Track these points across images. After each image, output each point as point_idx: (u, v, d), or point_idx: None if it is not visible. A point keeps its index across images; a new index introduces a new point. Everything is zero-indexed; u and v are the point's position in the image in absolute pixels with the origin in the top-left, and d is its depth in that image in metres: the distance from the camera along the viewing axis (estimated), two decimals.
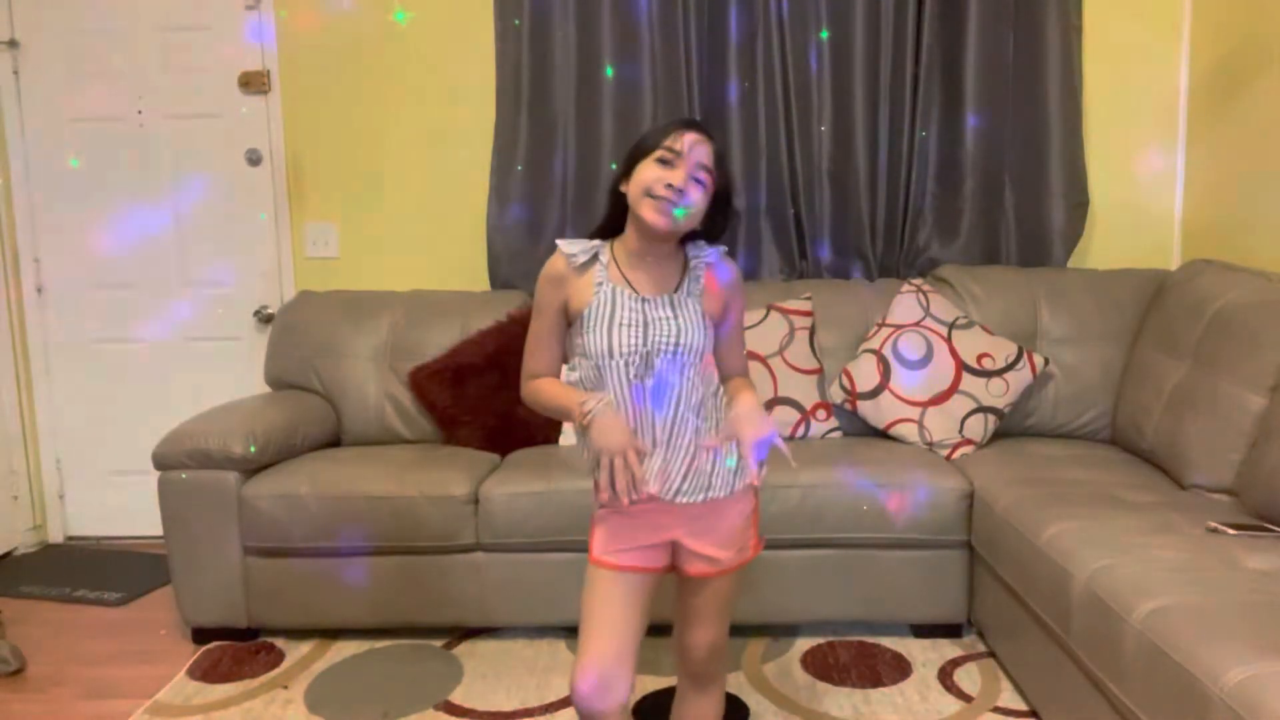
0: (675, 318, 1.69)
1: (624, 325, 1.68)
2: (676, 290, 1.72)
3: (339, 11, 3.57)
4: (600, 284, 1.71)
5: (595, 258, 1.73)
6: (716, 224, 1.74)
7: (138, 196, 3.72)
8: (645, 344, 1.67)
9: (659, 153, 1.65)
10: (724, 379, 1.81)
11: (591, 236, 1.77)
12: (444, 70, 3.59)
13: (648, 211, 1.64)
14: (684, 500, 1.71)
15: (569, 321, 1.74)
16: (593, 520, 1.79)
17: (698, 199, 1.66)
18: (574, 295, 1.72)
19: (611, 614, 1.71)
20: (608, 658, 1.68)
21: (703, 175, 1.66)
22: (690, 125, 1.69)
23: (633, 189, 1.67)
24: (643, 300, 1.70)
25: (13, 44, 3.65)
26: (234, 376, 3.63)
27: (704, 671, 1.93)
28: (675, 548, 1.77)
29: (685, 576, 1.81)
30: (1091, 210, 3.49)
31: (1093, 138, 3.48)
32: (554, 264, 1.74)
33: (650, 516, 1.72)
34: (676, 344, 1.67)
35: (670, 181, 1.63)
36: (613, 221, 1.75)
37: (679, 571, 1.81)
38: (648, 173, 1.65)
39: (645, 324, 1.68)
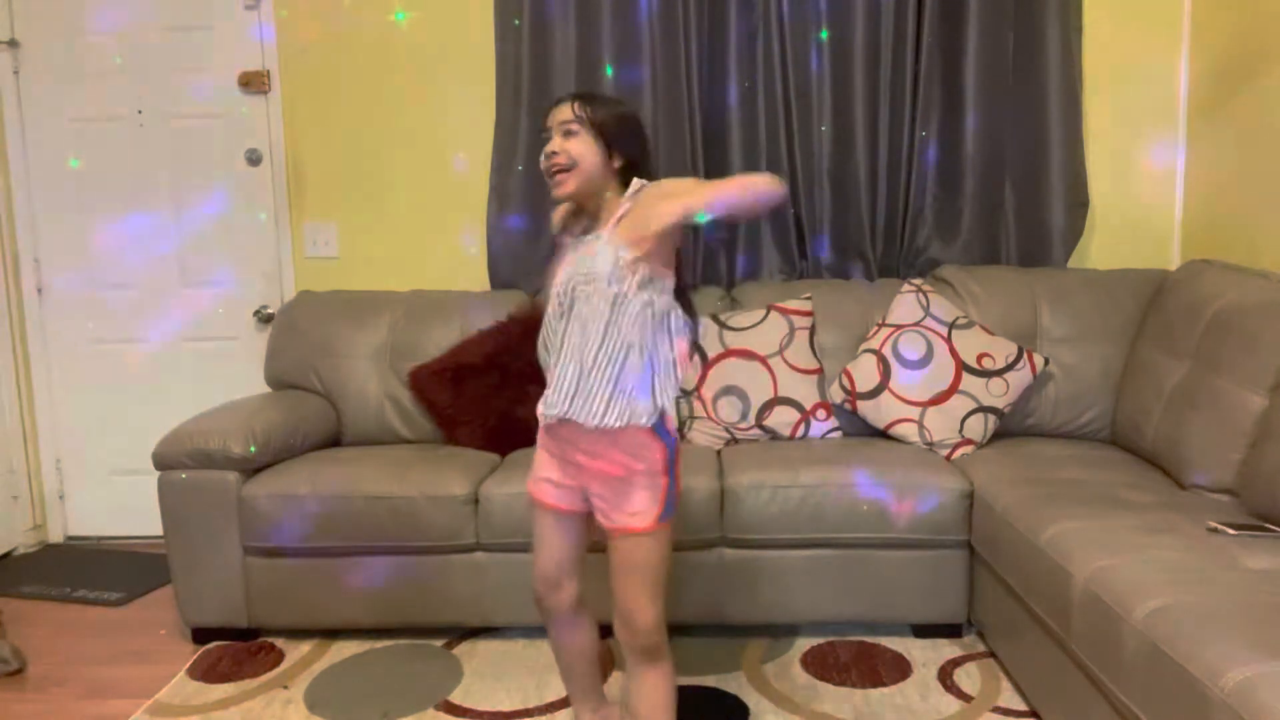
0: (592, 252, 1.87)
1: (561, 264, 1.94)
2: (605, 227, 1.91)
3: (339, 11, 3.57)
4: (557, 233, 2.00)
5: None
6: (629, 146, 1.89)
7: (138, 196, 3.72)
8: (568, 277, 1.89)
9: (542, 137, 1.90)
10: None
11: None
12: (444, 70, 3.59)
13: (552, 189, 1.90)
14: (575, 417, 1.86)
15: None
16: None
17: (575, 148, 1.86)
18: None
19: (546, 536, 2.05)
20: (549, 566, 2.05)
21: (571, 127, 1.86)
22: (558, 101, 1.92)
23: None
24: (578, 243, 1.93)
25: (13, 44, 3.65)
26: (234, 376, 3.63)
27: (627, 644, 1.99)
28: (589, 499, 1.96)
29: (601, 531, 1.98)
30: (1091, 210, 3.50)
31: (1093, 138, 3.48)
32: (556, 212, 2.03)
33: (557, 444, 1.96)
34: (587, 273, 1.85)
35: (545, 151, 1.87)
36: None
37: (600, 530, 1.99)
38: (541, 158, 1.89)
39: (575, 261, 1.91)
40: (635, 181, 1.89)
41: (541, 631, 2.90)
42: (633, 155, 1.89)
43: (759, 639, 2.86)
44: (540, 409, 1.94)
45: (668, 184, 1.89)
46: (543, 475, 2.02)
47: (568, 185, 1.88)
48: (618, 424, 1.84)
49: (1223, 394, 2.52)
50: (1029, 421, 3.16)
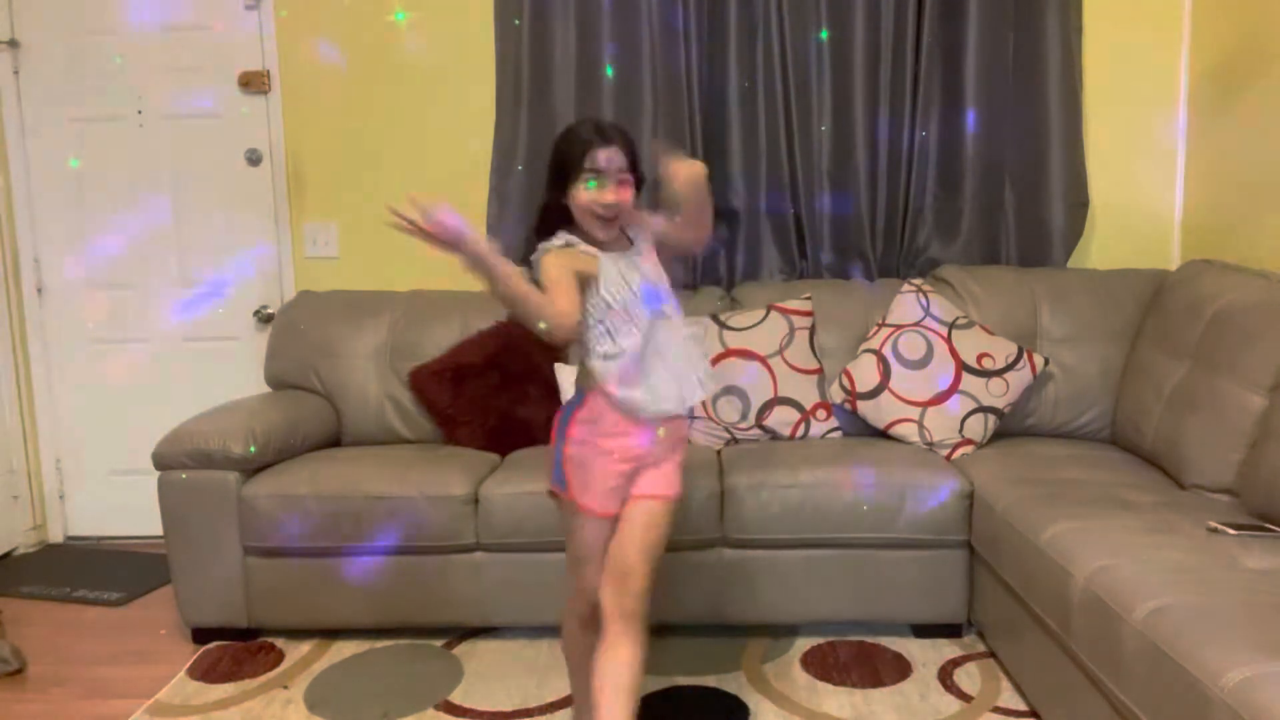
0: (648, 265, 2.01)
1: (627, 276, 1.97)
2: (634, 245, 2.03)
3: (339, 11, 3.57)
4: (593, 255, 1.97)
5: (570, 244, 1.97)
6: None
7: (138, 196, 3.72)
8: (650, 283, 1.99)
9: (584, 175, 1.91)
10: (680, 229, 2.07)
11: (537, 234, 2.00)
12: (444, 70, 3.59)
13: (596, 230, 1.94)
14: (670, 409, 2.01)
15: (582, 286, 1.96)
16: (565, 460, 2.05)
17: (628, 195, 1.94)
18: (581, 267, 1.95)
19: (601, 545, 2.03)
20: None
21: (624, 176, 1.93)
22: (600, 137, 1.92)
23: (578, 210, 1.94)
24: (623, 258, 1.99)
25: (13, 44, 3.65)
26: (234, 376, 3.63)
27: (617, 605, 2.00)
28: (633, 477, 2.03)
29: (634, 499, 2.03)
30: (1091, 210, 3.49)
31: (1093, 138, 3.48)
32: (549, 257, 1.95)
33: (625, 440, 2.00)
34: (655, 280, 2.00)
35: (604, 200, 1.91)
36: (554, 225, 1.98)
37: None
38: (582, 196, 1.92)
39: (638, 271, 1.99)
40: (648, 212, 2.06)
41: (541, 631, 2.91)
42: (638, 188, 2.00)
43: (759, 639, 2.86)
44: (662, 408, 1.99)
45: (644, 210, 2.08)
46: (609, 486, 2.01)
47: (613, 229, 1.97)
48: (694, 403, 2.09)
49: (1223, 394, 2.52)
50: (1029, 421, 3.16)
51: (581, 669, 2.11)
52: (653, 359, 1.98)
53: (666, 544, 2.05)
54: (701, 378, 2.06)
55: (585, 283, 1.96)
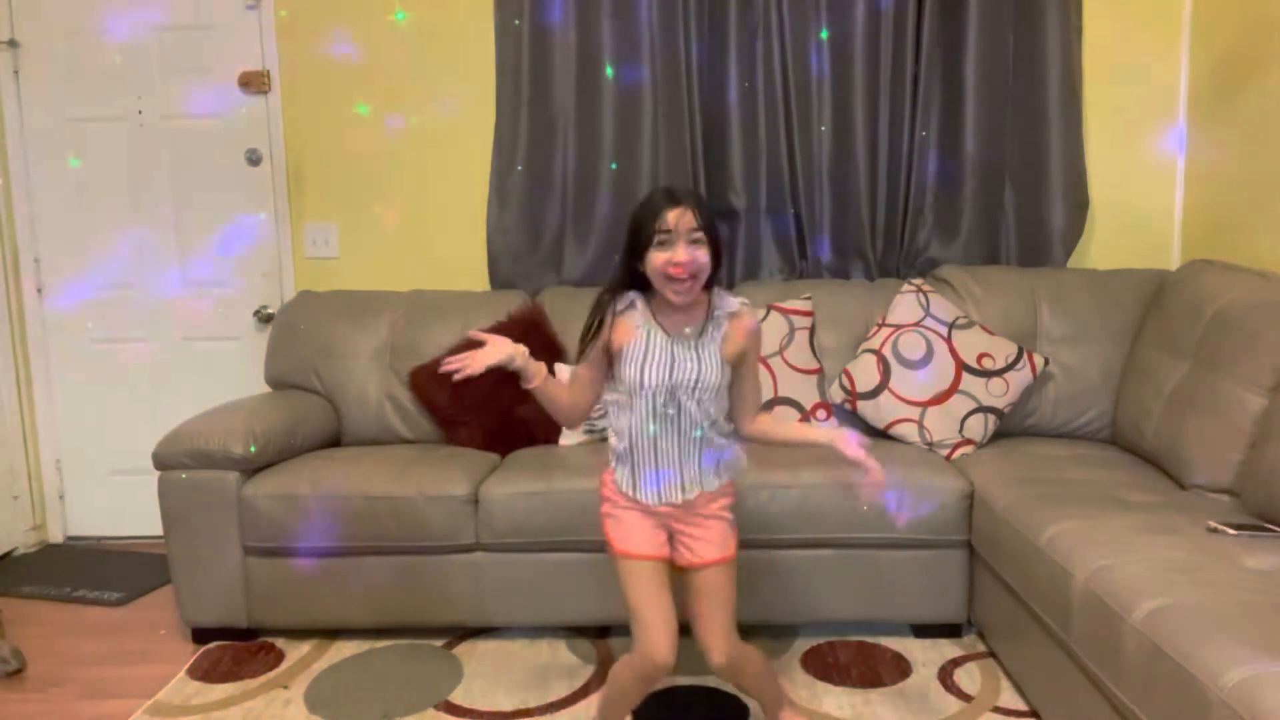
0: (698, 359, 1.97)
1: (654, 363, 1.97)
2: (701, 335, 1.99)
3: (339, 11, 3.57)
4: (638, 327, 1.99)
5: (633, 305, 2.01)
6: (720, 252, 1.98)
7: (138, 196, 3.72)
8: (670, 379, 1.96)
9: (656, 238, 1.91)
10: (743, 414, 2.08)
11: (610, 293, 2.04)
12: (444, 70, 3.59)
13: (669, 293, 1.93)
14: (689, 498, 2.03)
15: (609, 355, 2.02)
16: (604, 516, 2.09)
17: (703, 259, 1.92)
18: (616, 334, 2.00)
19: (655, 592, 2.01)
20: (671, 623, 2.00)
21: (697, 236, 1.91)
22: (669, 199, 1.93)
23: (652, 274, 1.94)
24: (671, 341, 1.98)
25: (13, 44, 3.65)
26: (234, 376, 3.63)
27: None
28: (673, 541, 2.06)
29: (688, 569, 2.07)
30: (1091, 210, 3.50)
31: (1093, 138, 3.48)
32: (623, 321, 2.02)
33: (659, 518, 2.05)
34: (696, 381, 1.96)
35: (675, 260, 1.89)
36: (629, 283, 2.00)
37: (683, 568, 2.07)
38: (655, 259, 1.91)
39: (672, 362, 1.97)
40: (725, 296, 2.04)
41: (541, 631, 2.92)
42: (720, 258, 1.98)
43: (759, 639, 2.84)
44: (642, 497, 2.03)
45: (760, 332, 2.09)
46: (645, 532, 2.04)
47: (693, 293, 1.94)
48: (710, 487, 2.05)
49: (1223, 394, 2.52)
50: (1029, 421, 3.16)
51: (616, 709, 2.14)
52: (645, 448, 2.00)
53: (736, 591, 2.08)
54: (691, 481, 2.02)
55: (619, 353, 2.00)
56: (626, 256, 1.98)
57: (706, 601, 2.05)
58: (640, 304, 2.01)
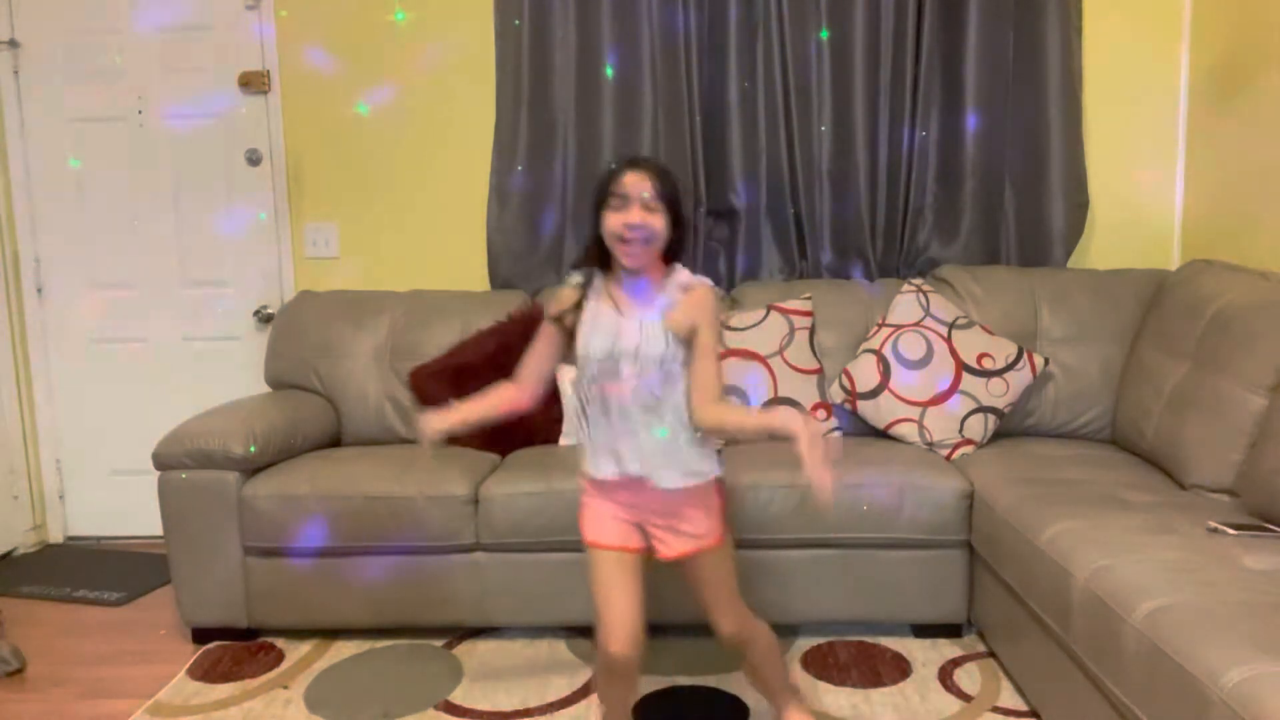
0: (639, 327, 1.95)
1: (598, 333, 1.97)
2: (649, 306, 1.97)
3: (339, 11, 3.58)
4: (590, 301, 2.01)
5: (588, 283, 2.02)
6: (681, 223, 1.98)
7: (138, 196, 3.72)
8: (613, 347, 1.94)
9: (611, 200, 1.93)
10: (697, 398, 1.96)
11: (584, 265, 2.05)
12: (444, 70, 3.59)
13: (619, 254, 1.94)
14: (631, 471, 1.98)
15: (569, 334, 2.03)
16: (581, 507, 2.09)
17: (655, 225, 1.92)
18: (570, 311, 2.02)
19: (616, 581, 2.01)
20: (628, 614, 1.99)
21: (652, 204, 1.92)
22: (632, 164, 1.96)
23: (606, 236, 1.95)
24: (620, 315, 1.97)
25: (13, 44, 3.65)
26: (234, 376, 3.63)
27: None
28: (647, 532, 2.04)
29: (677, 561, 2.05)
30: (1091, 210, 3.50)
31: (1093, 138, 3.48)
32: (562, 291, 2.06)
33: (619, 495, 2.02)
34: (636, 349, 1.93)
35: (627, 222, 1.91)
36: (602, 257, 2.00)
37: (667, 560, 2.06)
38: (609, 220, 1.93)
39: (616, 332, 1.95)
40: (683, 271, 2.00)
41: (541, 631, 2.92)
42: (680, 231, 1.98)
43: None
44: (596, 472, 2.01)
45: (715, 310, 2.00)
46: (614, 521, 2.04)
47: (642, 257, 1.93)
48: (685, 485, 1.98)
49: (1223, 394, 2.52)
50: (1029, 421, 3.16)
51: (610, 708, 2.14)
52: (596, 421, 1.99)
53: (735, 567, 2.10)
54: (633, 454, 1.97)
55: (572, 329, 2.01)
56: (593, 224, 1.99)
57: (701, 588, 2.07)
58: (599, 280, 2.02)
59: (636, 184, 1.92)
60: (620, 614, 1.97)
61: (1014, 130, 3.42)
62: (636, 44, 3.42)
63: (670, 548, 2.03)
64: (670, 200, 1.94)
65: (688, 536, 2.02)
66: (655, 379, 1.94)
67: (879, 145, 3.44)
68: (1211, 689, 1.57)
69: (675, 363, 1.96)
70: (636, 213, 1.91)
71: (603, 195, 1.95)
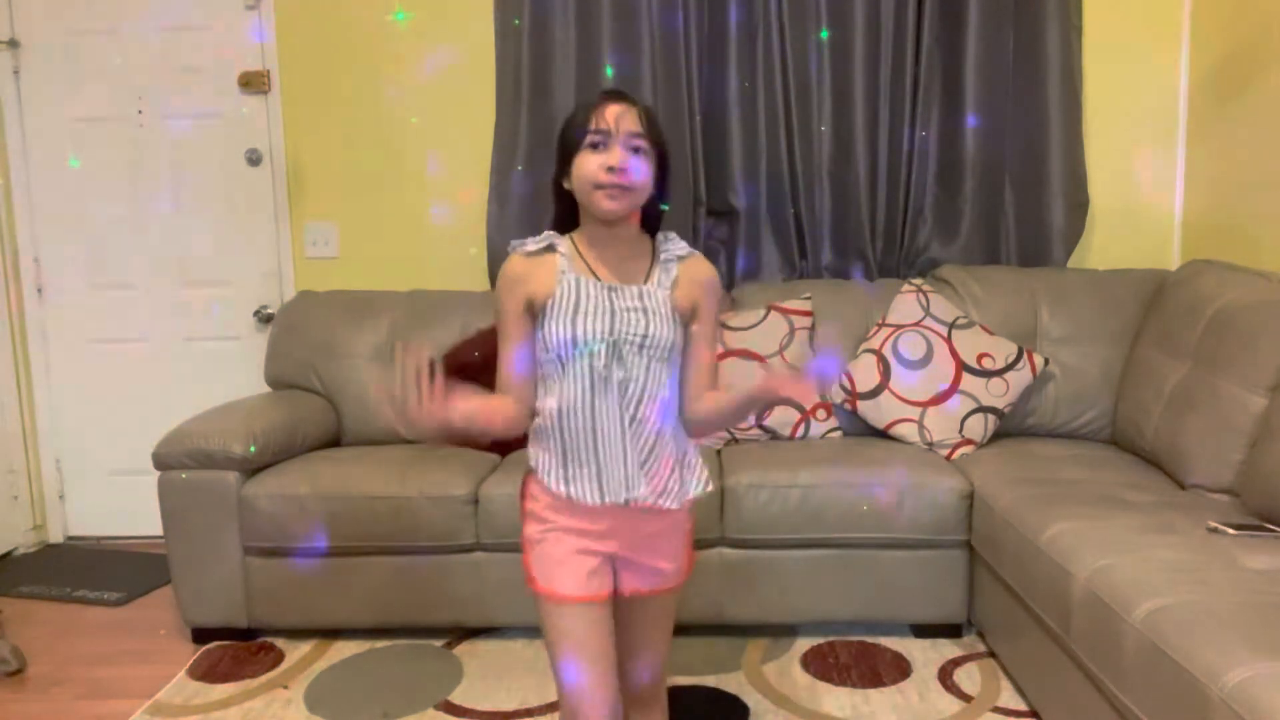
0: (644, 309, 1.58)
1: (588, 314, 1.57)
2: (646, 281, 1.61)
3: (339, 11, 3.58)
4: (563, 272, 1.60)
5: (551, 248, 1.63)
6: (665, 181, 1.64)
7: (138, 196, 3.72)
8: (612, 334, 1.56)
9: (588, 138, 1.55)
10: (693, 389, 1.65)
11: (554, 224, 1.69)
12: (444, 70, 3.59)
13: (601, 201, 1.56)
14: (641, 500, 1.59)
15: (535, 320, 1.62)
16: (524, 542, 1.68)
17: (643, 169, 1.57)
18: (537, 289, 1.60)
19: (590, 645, 1.61)
20: (609, 687, 1.61)
21: (638, 143, 1.56)
22: (609, 96, 1.59)
23: (578, 185, 1.58)
24: (609, 289, 1.59)
25: (13, 44, 3.65)
26: (234, 376, 3.63)
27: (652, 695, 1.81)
28: (616, 566, 1.66)
29: (627, 598, 1.68)
30: (1091, 210, 3.50)
31: (1093, 138, 3.48)
32: (510, 265, 1.64)
33: (598, 521, 1.61)
34: (644, 336, 1.56)
35: (610, 164, 1.54)
36: (563, 218, 1.67)
37: (620, 595, 1.68)
38: (585, 164, 1.56)
39: (612, 313, 1.57)
40: (675, 239, 1.67)
41: (541, 631, 2.91)
42: (663, 191, 1.64)
43: (759, 639, 2.86)
44: (570, 492, 1.60)
45: (720, 289, 1.70)
46: (583, 565, 1.61)
47: (623, 204, 1.56)
48: (674, 504, 1.63)
49: (1223, 394, 2.52)
50: (1029, 421, 3.16)
51: None
52: (581, 428, 1.58)
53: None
54: (635, 472, 1.57)
55: (543, 309, 1.59)
56: (555, 178, 1.63)
57: (638, 630, 1.70)
58: (563, 246, 1.63)
59: (621, 119, 1.55)
60: (596, 685, 1.56)
61: (1014, 130, 3.42)
62: (636, 44, 3.42)
63: (627, 584, 1.66)
64: (659, 145, 1.59)
65: (655, 573, 1.67)
66: (661, 370, 1.59)
67: (879, 145, 3.44)
68: (1211, 689, 1.57)
69: (678, 351, 1.62)
70: (618, 152, 1.54)
71: (571, 134, 1.58)
